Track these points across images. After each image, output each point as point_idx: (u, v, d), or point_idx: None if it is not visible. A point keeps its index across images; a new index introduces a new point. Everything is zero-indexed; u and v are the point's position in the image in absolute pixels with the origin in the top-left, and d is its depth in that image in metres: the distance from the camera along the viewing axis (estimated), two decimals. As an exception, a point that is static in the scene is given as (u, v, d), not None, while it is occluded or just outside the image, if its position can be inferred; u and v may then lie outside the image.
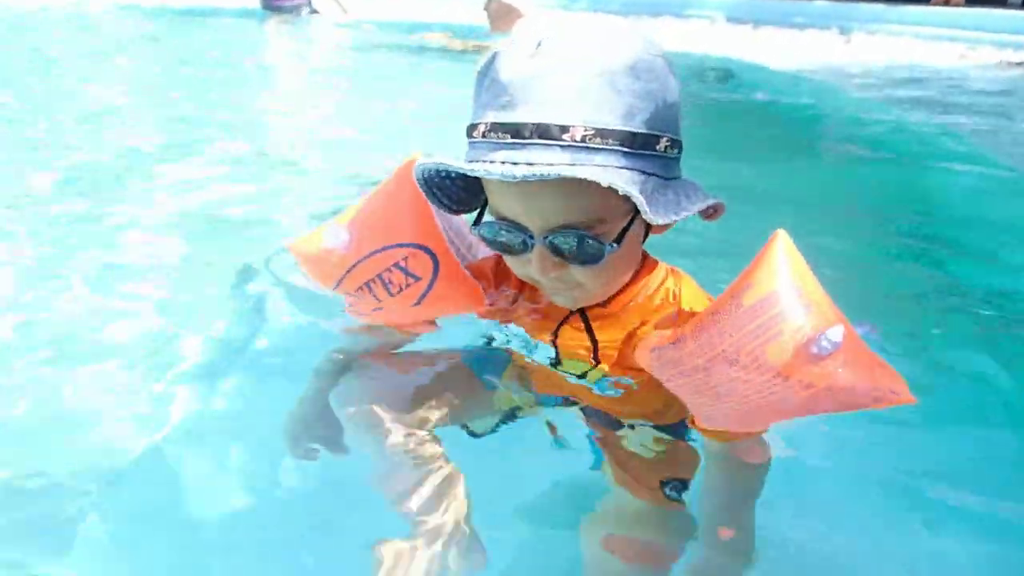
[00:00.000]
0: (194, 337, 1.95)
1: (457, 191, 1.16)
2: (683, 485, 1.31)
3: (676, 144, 1.09)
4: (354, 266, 1.31)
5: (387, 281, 1.31)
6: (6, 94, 4.73)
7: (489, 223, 1.11)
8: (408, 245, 1.30)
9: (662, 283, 1.26)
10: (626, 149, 1.00)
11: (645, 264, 1.26)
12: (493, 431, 1.46)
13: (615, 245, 1.06)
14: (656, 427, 1.36)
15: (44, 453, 1.57)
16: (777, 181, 3.59)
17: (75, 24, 7.53)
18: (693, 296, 1.27)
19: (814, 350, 0.97)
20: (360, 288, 1.32)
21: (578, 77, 0.99)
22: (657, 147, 1.04)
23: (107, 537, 1.38)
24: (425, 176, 1.12)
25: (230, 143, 4.02)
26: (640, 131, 1.01)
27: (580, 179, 0.94)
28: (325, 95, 5.71)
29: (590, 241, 1.05)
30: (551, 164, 0.96)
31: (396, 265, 1.30)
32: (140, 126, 4.25)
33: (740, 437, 1.21)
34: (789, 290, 1.01)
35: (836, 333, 0.96)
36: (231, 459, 1.54)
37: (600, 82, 0.99)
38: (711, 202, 1.10)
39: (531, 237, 1.07)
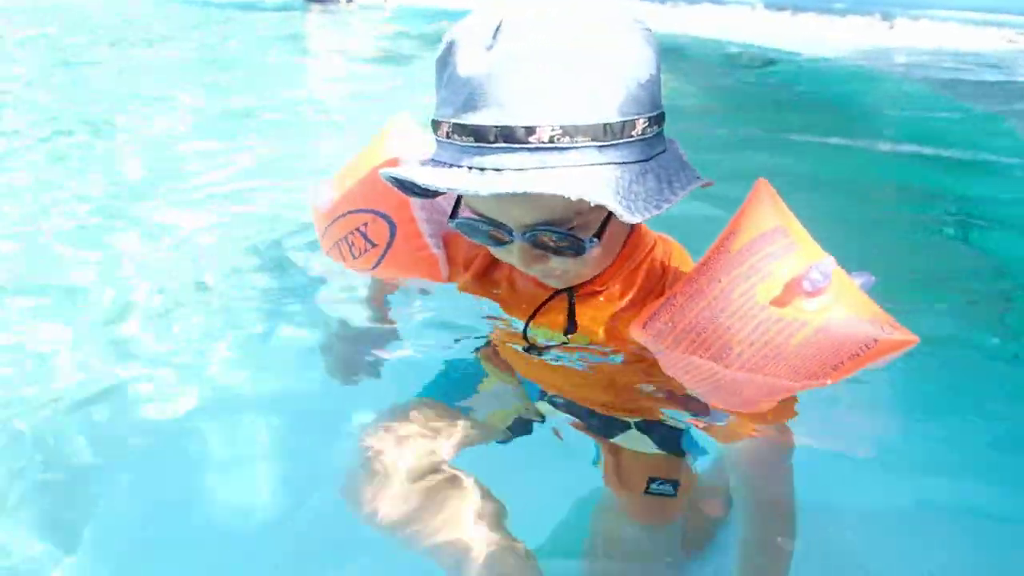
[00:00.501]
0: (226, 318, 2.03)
1: None
2: (673, 484, 1.29)
3: (656, 120, 1.02)
4: (329, 225, 1.38)
5: (351, 243, 1.37)
6: (47, 82, 4.84)
7: (466, 221, 1.06)
8: (370, 211, 1.34)
9: (649, 252, 1.22)
10: (599, 143, 0.94)
11: (632, 235, 1.20)
12: (508, 439, 1.45)
13: (596, 240, 1.02)
14: (651, 439, 1.33)
15: (64, 429, 1.62)
16: (817, 171, 3.57)
17: (115, 13, 7.62)
18: (683, 261, 1.23)
19: (806, 285, 0.95)
20: (332, 247, 1.39)
21: (539, 72, 0.93)
22: (633, 132, 0.98)
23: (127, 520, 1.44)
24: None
25: (270, 130, 4.10)
26: (613, 120, 0.95)
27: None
28: (365, 86, 5.77)
29: (570, 237, 1.00)
30: (521, 170, 0.92)
31: (358, 229, 1.35)
32: (181, 115, 4.34)
33: (753, 430, 1.19)
34: (775, 232, 1.01)
35: (827, 264, 0.95)
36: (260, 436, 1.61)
37: (563, 75, 0.93)
38: (696, 185, 1.04)
39: (510, 232, 1.03)
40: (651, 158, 1.02)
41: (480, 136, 0.94)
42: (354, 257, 1.37)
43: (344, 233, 1.36)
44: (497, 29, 0.95)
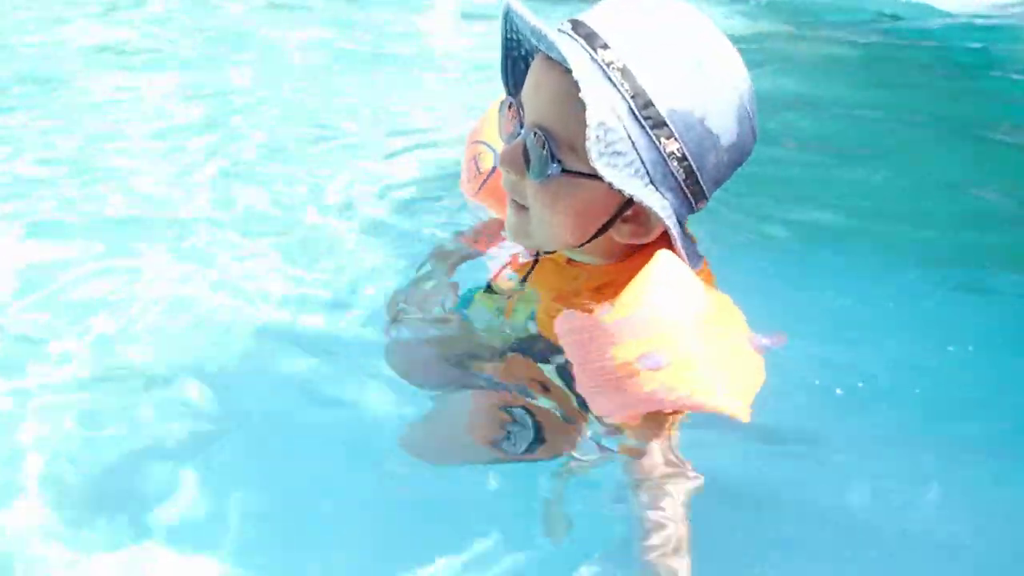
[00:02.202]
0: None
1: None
2: (530, 416, 1.31)
3: (688, 168, 1.05)
4: (465, 148, 1.67)
5: (467, 167, 1.65)
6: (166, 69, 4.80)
7: (509, 99, 1.16)
8: (484, 144, 1.59)
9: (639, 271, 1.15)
10: (632, 106, 1.00)
11: (622, 249, 1.19)
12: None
13: (558, 166, 1.06)
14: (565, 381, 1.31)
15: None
16: (949, 138, 3.34)
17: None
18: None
19: (645, 363, 1.04)
20: (462, 169, 1.69)
21: (655, 29, 1.03)
22: (661, 140, 1.02)
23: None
24: (505, 31, 1.15)
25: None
26: (656, 108, 1.00)
27: (576, 95, 0.97)
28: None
29: (547, 147, 1.06)
30: (573, 53, 1.00)
31: (474, 157, 1.62)
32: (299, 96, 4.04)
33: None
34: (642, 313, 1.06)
35: (658, 357, 1.03)
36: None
37: (666, 47, 1.02)
38: (666, 220, 1.06)
39: (522, 124, 1.11)
40: (653, 182, 1.04)
41: (575, 27, 1.05)
42: (468, 178, 1.63)
43: (468, 157, 1.64)
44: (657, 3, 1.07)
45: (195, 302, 1.91)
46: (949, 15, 6.33)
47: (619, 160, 1.00)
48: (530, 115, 1.10)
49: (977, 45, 5.42)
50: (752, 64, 1.14)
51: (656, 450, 1.12)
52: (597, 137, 0.97)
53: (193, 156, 2.88)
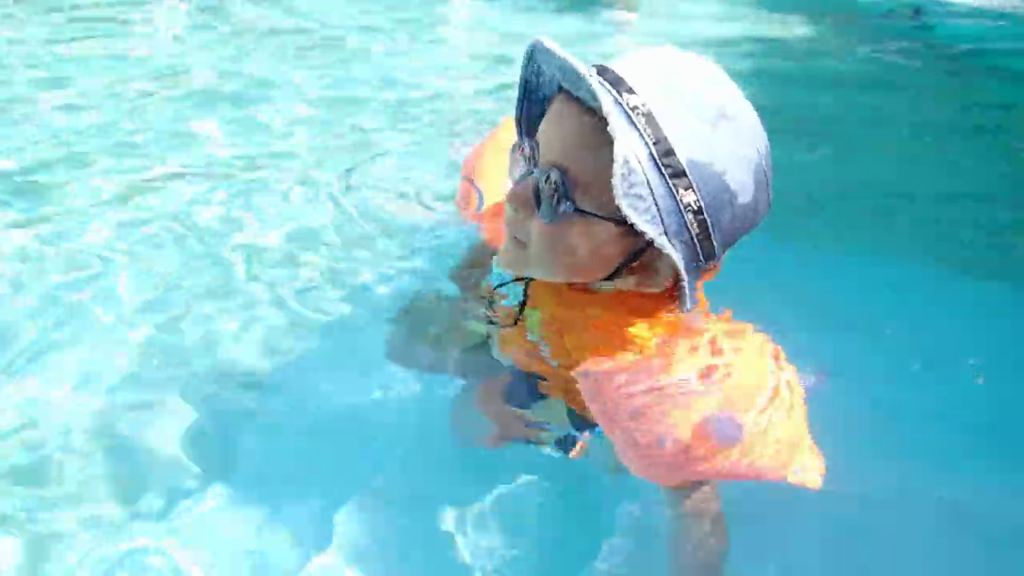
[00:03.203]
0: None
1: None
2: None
3: (703, 223, 1.01)
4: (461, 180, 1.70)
5: (458, 200, 1.68)
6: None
7: (522, 142, 1.13)
8: (468, 180, 1.63)
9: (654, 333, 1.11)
10: (654, 153, 0.97)
11: (635, 306, 1.13)
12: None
13: (571, 205, 1.04)
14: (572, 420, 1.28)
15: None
16: (978, 140, 3.23)
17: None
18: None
19: (715, 437, 1.00)
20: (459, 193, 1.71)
21: (681, 80, 1.02)
22: (679, 190, 0.98)
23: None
24: (525, 69, 1.13)
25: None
26: (677, 157, 0.98)
27: (598, 137, 0.96)
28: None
29: (561, 186, 1.03)
30: (596, 89, 0.96)
31: (465, 194, 1.63)
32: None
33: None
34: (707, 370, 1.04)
35: (729, 430, 1.00)
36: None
37: (691, 98, 1.00)
38: (682, 271, 1.02)
39: (536, 164, 1.08)
40: (665, 231, 1.00)
41: (601, 71, 1.02)
42: (462, 210, 1.66)
43: (460, 191, 1.67)
44: (690, 59, 1.06)
45: (200, 306, 1.83)
46: (979, 9, 6.18)
47: (639, 204, 0.98)
48: (546, 154, 1.07)
49: (1009, 42, 5.27)
50: (766, 57, 1.06)
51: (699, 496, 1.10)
52: (623, 175, 0.95)
53: (200, 157, 2.81)
